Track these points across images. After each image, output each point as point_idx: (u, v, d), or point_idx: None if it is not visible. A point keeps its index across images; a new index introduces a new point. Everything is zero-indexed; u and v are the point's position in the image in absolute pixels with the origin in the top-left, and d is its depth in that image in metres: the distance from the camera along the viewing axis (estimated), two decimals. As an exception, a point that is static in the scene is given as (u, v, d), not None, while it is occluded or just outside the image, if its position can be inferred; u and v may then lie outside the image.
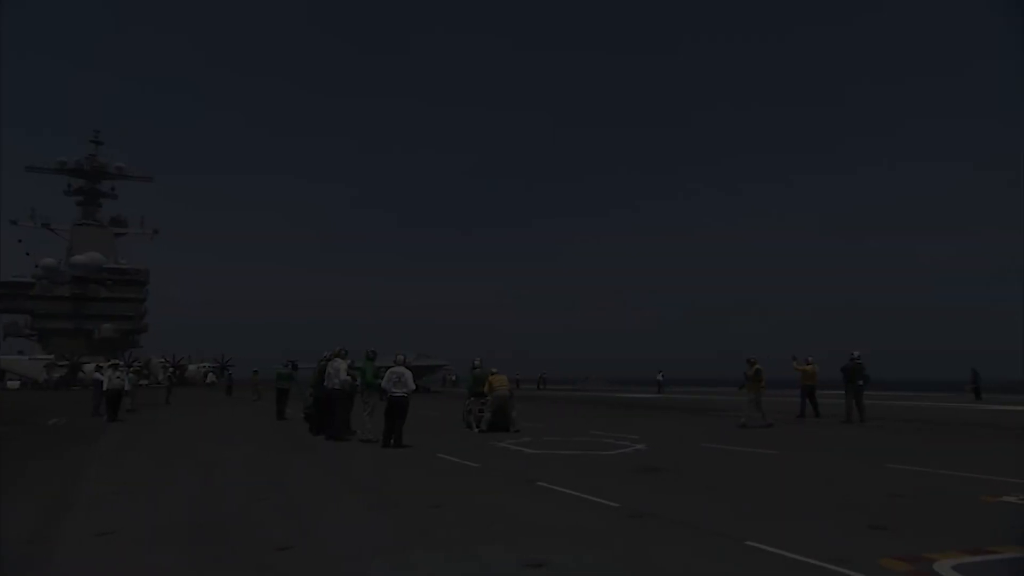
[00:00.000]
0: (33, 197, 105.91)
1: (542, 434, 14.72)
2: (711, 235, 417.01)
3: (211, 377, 71.52)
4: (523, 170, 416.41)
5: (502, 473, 9.43)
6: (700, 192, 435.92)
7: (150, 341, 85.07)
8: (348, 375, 14.40)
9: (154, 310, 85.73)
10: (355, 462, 11.09)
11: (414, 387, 12.80)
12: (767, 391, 16.80)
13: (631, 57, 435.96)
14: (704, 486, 8.37)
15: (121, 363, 26.28)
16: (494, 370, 16.39)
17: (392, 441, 12.33)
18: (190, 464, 10.81)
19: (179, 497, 7.89)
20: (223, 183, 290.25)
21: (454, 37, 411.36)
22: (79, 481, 9.10)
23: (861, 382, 17.48)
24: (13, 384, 66.73)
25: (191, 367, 75.76)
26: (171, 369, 57.67)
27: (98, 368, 24.55)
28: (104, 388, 20.90)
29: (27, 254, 77.73)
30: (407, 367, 13.07)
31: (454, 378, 58.93)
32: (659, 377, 46.69)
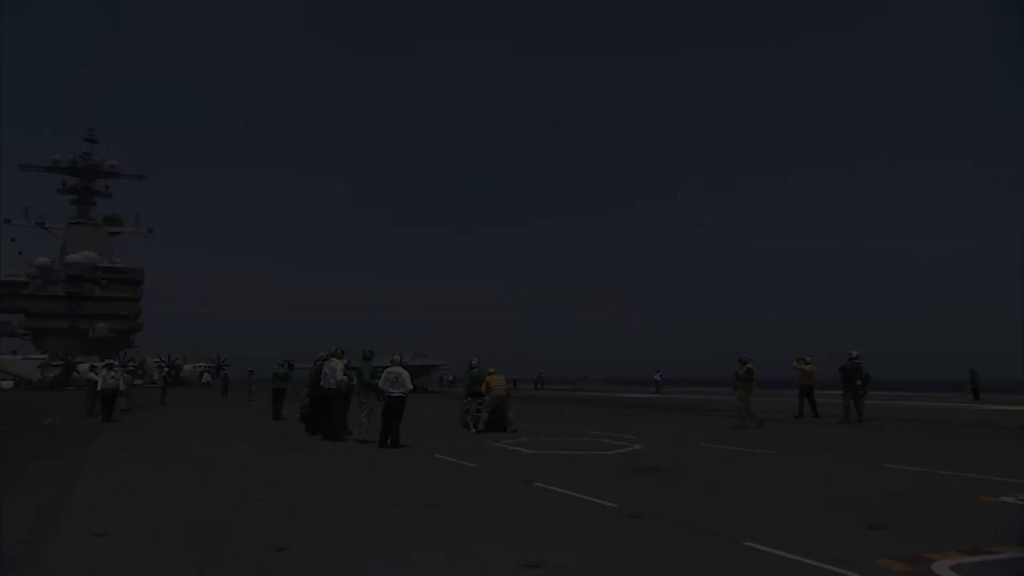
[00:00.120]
0: (27, 196, 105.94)
1: (540, 434, 14.71)
2: (711, 235, 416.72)
3: (207, 377, 71.25)
4: (522, 170, 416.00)
5: (499, 473, 9.42)
6: (700, 192, 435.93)
7: (145, 341, 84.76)
8: (344, 375, 14.38)
9: (150, 309, 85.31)
10: (352, 462, 11.06)
11: (411, 387, 12.79)
12: (757, 390, 16.80)
13: (631, 57, 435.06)
14: (703, 486, 8.37)
15: (116, 363, 26.03)
16: (491, 370, 16.40)
17: (389, 441, 12.32)
18: (186, 464, 10.77)
19: (176, 497, 7.85)
20: (223, 183, 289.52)
21: (454, 37, 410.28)
22: (75, 481, 9.04)
23: (859, 382, 17.51)
24: (7, 384, 66.21)
25: (187, 367, 75.45)
26: (166, 369, 57.30)
27: (92, 368, 24.44)
28: (99, 388, 20.74)
29: (20, 253, 77.36)
30: (404, 367, 13.06)
31: (451, 378, 58.83)
32: (657, 377, 46.06)
